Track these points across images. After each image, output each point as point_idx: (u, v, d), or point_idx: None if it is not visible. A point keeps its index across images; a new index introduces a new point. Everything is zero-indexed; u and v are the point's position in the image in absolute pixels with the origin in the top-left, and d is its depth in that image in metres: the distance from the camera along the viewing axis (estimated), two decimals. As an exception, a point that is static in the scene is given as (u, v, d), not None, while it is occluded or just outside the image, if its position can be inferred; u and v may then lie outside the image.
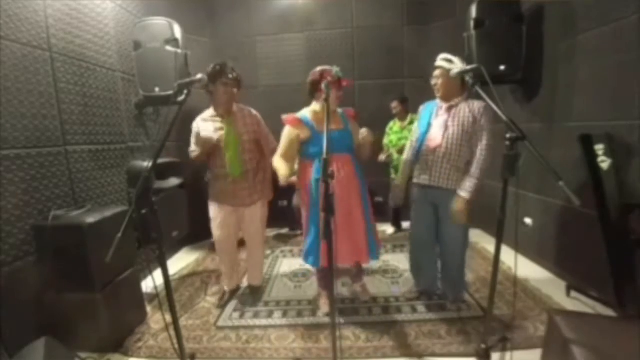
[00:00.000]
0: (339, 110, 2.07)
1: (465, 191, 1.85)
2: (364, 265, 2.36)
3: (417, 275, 2.32)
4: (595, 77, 2.14)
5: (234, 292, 2.47)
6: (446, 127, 1.93)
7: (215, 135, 2.07)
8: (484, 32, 2.57)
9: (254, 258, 2.42)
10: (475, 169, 1.85)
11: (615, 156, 1.83)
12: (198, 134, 2.07)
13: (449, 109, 1.95)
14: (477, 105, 1.88)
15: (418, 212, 2.16)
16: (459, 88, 1.93)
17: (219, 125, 2.12)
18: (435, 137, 1.96)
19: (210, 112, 2.17)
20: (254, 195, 2.22)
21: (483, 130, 1.85)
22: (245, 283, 2.60)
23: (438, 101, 2.04)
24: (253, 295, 2.47)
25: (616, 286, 1.85)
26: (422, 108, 2.16)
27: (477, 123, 1.86)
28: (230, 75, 2.04)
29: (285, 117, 2.02)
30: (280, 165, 1.94)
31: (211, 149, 2.09)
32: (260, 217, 2.30)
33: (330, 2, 3.91)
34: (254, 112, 2.26)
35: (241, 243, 2.48)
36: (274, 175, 2.00)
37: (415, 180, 2.12)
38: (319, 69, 1.97)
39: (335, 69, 1.96)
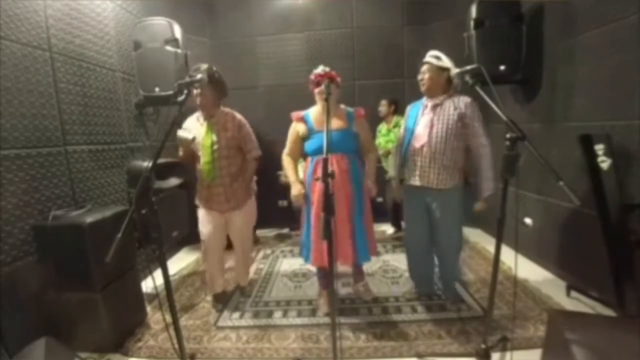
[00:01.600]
0: (349, 109, 2.06)
1: (485, 193, 1.90)
2: (364, 265, 2.36)
3: (416, 278, 2.32)
4: (595, 77, 2.13)
5: (220, 297, 2.38)
6: (431, 126, 1.93)
7: (190, 136, 2.04)
8: (484, 32, 2.57)
9: (239, 259, 2.41)
10: (486, 170, 1.88)
11: (615, 156, 1.83)
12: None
13: (434, 107, 1.95)
14: (462, 101, 1.89)
15: (411, 214, 2.15)
16: (444, 85, 1.93)
17: (199, 127, 2.11)
18: (421, 136, 1.96)
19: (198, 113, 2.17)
20: (231, 200, 2.15)
21: (474, 125, 1.86)
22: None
23: (424, 100, 2.04)
24: (242, 295, 2.49)
25: (616, 286, 1.84)
26: (409, 108, 2.15)
27: (464, 118, 1.87)
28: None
29: (293, 113, 2.09)
30: (290, 173, 2.03)
31: (189, 149, 2.12)
32: (243, 220, 2.25)
33: (330, 2, 3.91)
34: (238, 116, 2.18)
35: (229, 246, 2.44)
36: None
37: (407, 182, 2.10)
38: None
39: (317, 69, 2.00)
